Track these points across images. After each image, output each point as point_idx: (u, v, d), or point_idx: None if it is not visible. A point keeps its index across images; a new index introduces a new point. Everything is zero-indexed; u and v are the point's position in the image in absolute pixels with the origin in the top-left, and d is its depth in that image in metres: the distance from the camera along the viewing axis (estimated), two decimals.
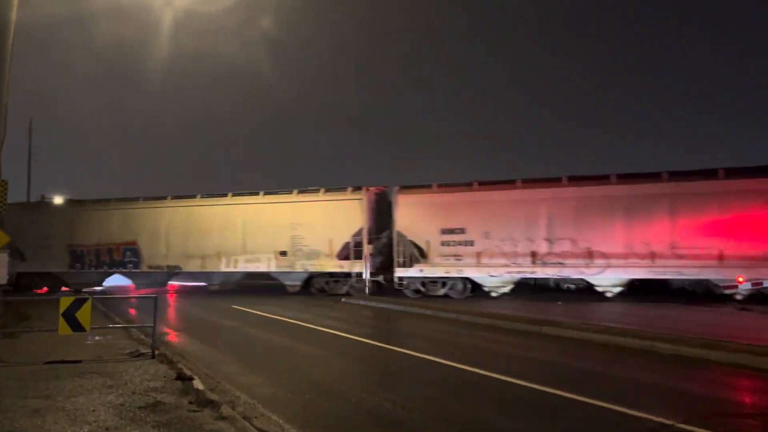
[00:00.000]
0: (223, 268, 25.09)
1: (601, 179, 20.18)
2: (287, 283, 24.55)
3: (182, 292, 27.26)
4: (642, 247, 19.19)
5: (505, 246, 20.75)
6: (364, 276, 22.45)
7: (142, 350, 10.03)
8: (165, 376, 8.04)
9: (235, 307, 19.82)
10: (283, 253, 23.95)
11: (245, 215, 24.78)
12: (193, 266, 25.50)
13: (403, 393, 7.57)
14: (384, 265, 23.40)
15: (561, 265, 20.18)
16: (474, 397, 7.47)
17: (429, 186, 22.48)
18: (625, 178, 19.89)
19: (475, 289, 21.89)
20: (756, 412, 6.95)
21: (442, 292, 22.02)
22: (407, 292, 22.25)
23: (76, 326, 9.02)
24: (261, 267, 24.49)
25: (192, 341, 12.43)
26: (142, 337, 11.75)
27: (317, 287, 23.93)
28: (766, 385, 8.26)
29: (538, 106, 75.58)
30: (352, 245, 22.90)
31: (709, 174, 18.91)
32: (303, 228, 23.63)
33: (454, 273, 21.55)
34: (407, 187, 22.79)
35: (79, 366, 8.76)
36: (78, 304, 9.09)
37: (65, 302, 9.09)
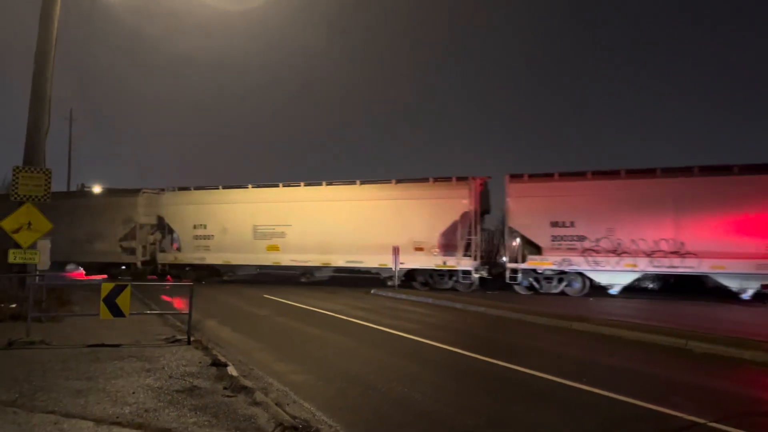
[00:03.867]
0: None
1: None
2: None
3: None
4: None
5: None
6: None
7: (178, 336, 10.31)
8: (200, 362, 8.27)
9: (266, 296, 20.19)
10: None
11: None
12: None
13: (431, 384, 7.66)
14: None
15: None
16: (503, 390, 7.51)
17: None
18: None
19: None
20: None
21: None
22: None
23: (116, 311, 9.32)
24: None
25: (225, 328, 12.71)
26: (178, 323, 12.08)
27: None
28: None
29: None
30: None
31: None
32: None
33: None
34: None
35: (118, 350, 9.06)
36: (118, 290, 9.39)
37: (106, 288, 9.39)
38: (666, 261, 19.71)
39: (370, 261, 23.91)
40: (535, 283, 21.88)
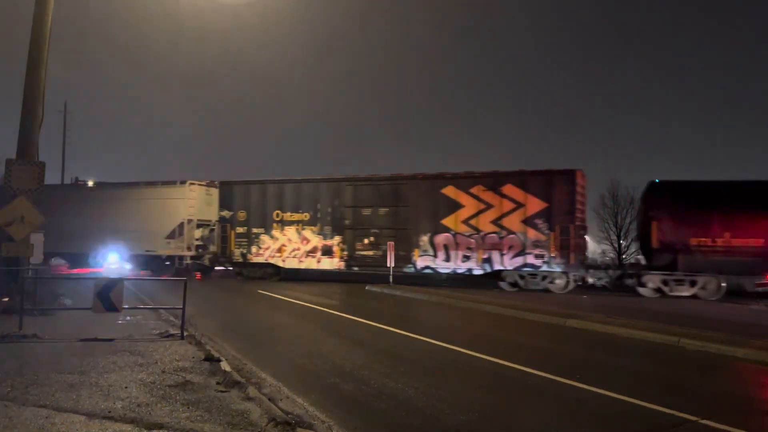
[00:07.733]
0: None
1: None
2: None
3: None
4: None
5: None
6: None
7: (172, 331, 10.28)
8: (194, 357, 8.25)
9: (261, 291, 20.19)
10: None
11: None
12: None
13: (425, 380, 7.67)
14: None
15: None
16: (494, 386, 7.53)
17: None
18: None
19: None
20: None
21: None
22: None
23: (109, 306, 9.30)
24: None
25: (219, 323, 12.68)
26: (172, 318, 12.04)
27: None
28: None
29: None
30: None
31: None
32: None
33: None
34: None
35: (111, 344, 9.03)
36: (111, 284, 9.36)
37: (100, 283, 9.36)
38: None
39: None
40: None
